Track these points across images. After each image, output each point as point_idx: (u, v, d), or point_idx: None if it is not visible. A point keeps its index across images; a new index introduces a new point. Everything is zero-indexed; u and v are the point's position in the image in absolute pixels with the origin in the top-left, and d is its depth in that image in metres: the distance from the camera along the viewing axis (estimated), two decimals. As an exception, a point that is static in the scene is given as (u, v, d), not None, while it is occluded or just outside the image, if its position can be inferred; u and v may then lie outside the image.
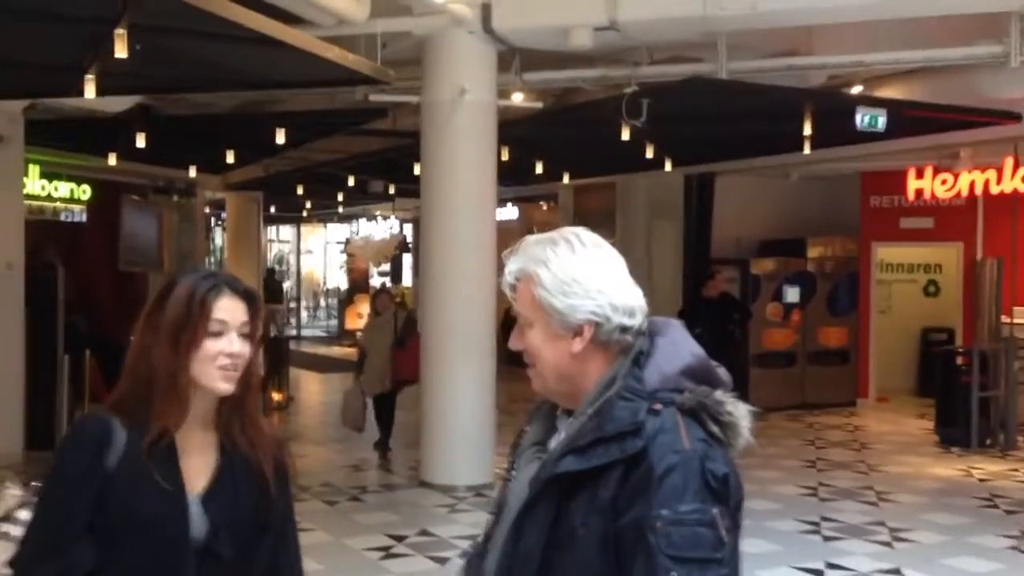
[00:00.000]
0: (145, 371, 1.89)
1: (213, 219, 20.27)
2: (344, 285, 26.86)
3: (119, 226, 13.65)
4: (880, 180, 12.95)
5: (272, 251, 26.28)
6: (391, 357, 8.86)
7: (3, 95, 8.16)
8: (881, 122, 7.64)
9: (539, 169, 12.10)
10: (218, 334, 1.88)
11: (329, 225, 27.46)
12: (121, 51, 5.41)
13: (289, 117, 9.52)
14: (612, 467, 1.50)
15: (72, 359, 9.22)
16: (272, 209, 19.91)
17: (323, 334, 24.80)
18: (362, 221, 24.55)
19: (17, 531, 1.96)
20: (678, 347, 1.63)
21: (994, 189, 10.49)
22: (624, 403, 1.54)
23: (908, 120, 8.60)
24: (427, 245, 8.17)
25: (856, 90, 9.12)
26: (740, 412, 1.57)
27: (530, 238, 1.71)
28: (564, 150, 11.59)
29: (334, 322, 25.99)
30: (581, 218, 15.95)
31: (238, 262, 17.61)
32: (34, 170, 11.13)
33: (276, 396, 12.53)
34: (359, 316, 23.64)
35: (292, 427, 11.26)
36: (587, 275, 1.61)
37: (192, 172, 13.03)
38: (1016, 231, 10.07)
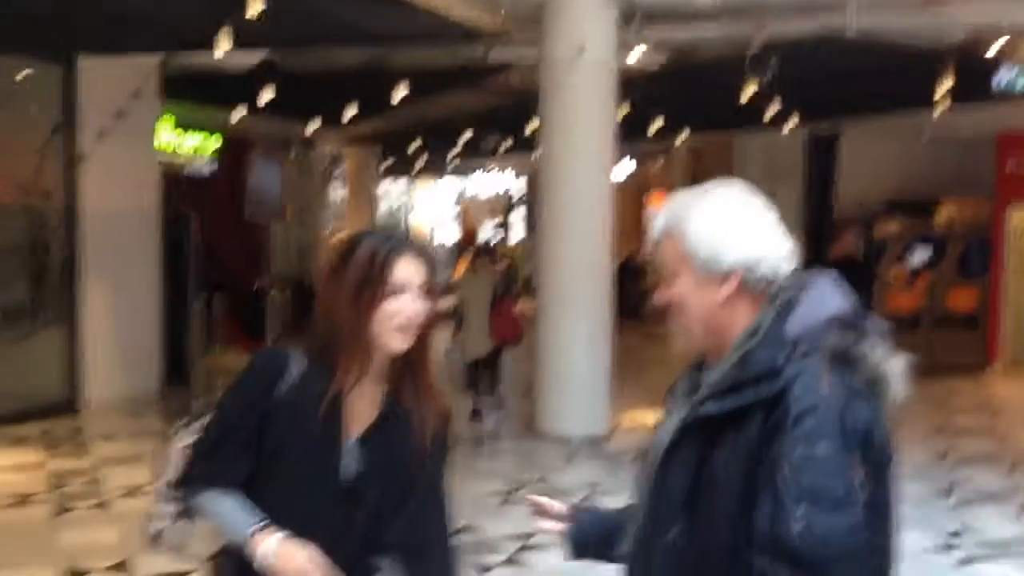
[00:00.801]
0: (328, 326, 1.99)
1: (330, 173, 20.72)
2: (455, 240, 27.20)
3: (246, 178, 14.12)
4: (1018, 141, 12.32)
5: (385, 205, 26.72)
6: (489, 319, 8.35)
7: (140, 50, 8.53)
8: (1022, 83, 7.27)
9: (655, 127, 11.97)
10: (397, 294, 1.95)
11: (440, 180, 27.78)
12: (254, 9, 5.59)
13: (409, 73, 9.62)
14: (752, 411, 1.52)
15: (204, 303, 9.72)
16: (387, 164, 20.23)
17: (434, 288, 25.19)
18: (475, 176, 24.71)
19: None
20: (825, 296, 1.62)
21: None
22: (765, 350, 1.55)
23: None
24: (544, 202, 8.21)
25: (996, 49, 8.67)
26: (890, 363, 1.56)
27: (676, 194, 1.73)
28: (682, 108, 11.41)
29: (443, 276, 26.40)
30: (697, 176, 15.72)
31: (355, 216, 18.05)
32: (165, 123, 11.59)
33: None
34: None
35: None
36: (735, 223, 1.63)
37: (312, 127, 13.34)
38: None
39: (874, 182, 13.00)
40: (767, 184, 12.58)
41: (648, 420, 8.80)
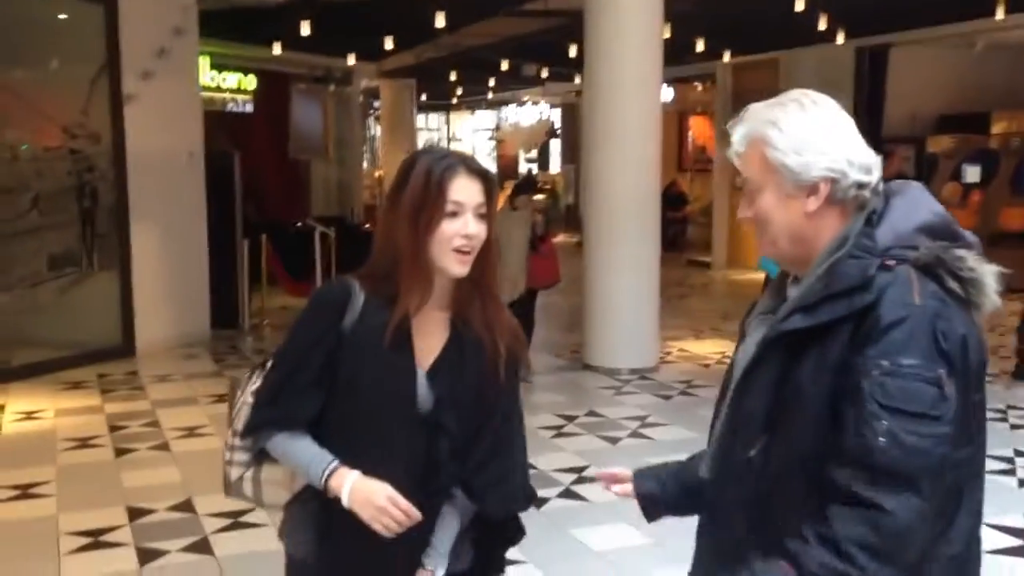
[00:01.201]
0: (389, 250, 1.91)
1: (367, 107, 20.58)
2: (494, 171, 27.03)
3: (288, 115, 14.05)
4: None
5: (422, 139, 26.57)
6: (527, 261, 7.78)
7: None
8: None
9: (699, 47, 11.63)
10: (454, 215, 1.86)
11: (477, 112, 27.50)
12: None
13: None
14: (841, 324, 1.48)
15: (249, 244, 9.69)
16: (423, 97, 20.00)
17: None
18: (511, 107, 24.40)
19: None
20: (915, 204, 1.58)
21: None
22: (854, 261, 1.51)
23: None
24: (589, 128, 8.02)
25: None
26: (985, 269, 1.50)
27: (754, 104, 1.67)
28: (728, 25, 11.05)
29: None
30: (741, 99, 15.30)
31: (393, 149, 17.93)
32: (204, 62, 11.48)
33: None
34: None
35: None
36: (821, 132, 1.57)
37: (351, 60, 13.16)
38: None
39: (925, 96, 12.58)
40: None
41: (694, 350, 8.79)
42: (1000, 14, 8.67)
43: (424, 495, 1.89)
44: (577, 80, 18.16)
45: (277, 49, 11.63)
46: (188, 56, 8.94)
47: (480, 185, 1.89)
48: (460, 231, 1.86)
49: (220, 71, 12.95)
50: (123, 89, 8.25)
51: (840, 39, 10.83)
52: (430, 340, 1.94)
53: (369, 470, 1.87)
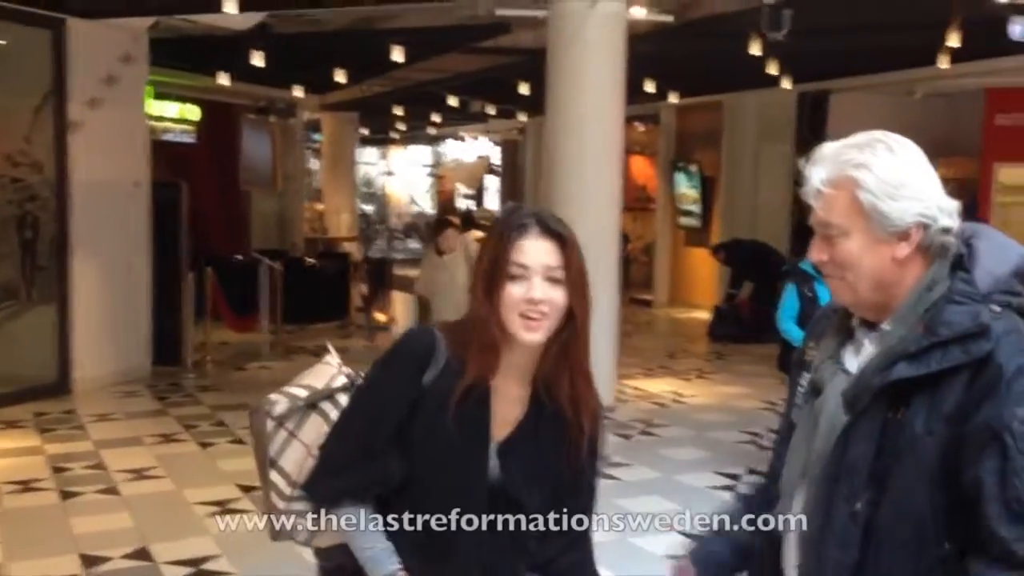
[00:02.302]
0: (470, 312, 1.81)
1: (307, 140, 20.37)
2: (429, 208, 26.90)
3: (233, 145, 13.79)
4: (1008, 97, 12.27)
5: (363, 173, 26.36)
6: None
7: (140, 11, 8.15)
8: (1038, 32, 7.16)
9: (649, 88, 11.76)
10: (519, 278, 1.74)
11: (411, 147, 27.44)
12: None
13: (407, 33, 9.33)
14: (955, 372, 1.47)
15: (194, 277, 9.40)
16: (365, 130, 19.87)
17: (412, 257, 24.89)
18: (450, 143, 24.40)
19: (334, 413, 1.96)
20: (1004, 249, 1.59)
21: None
22: (957, 307, 1.51)
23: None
24: (550, 165, 7.99)
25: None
26: None
27: (830, 145, 1.63)
28: (678, 67, 11.21)
29: (419, 245, 26.16)
30: (684, 139, 15.56)
31: (334, 183, 17.73)
32: (148, 91, 11.20)
33: (380, 317, 12.66)
34: (449, 239, 23.70)
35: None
36: (913, 176, 1.55)
37: (299, 92, 12.99)
38: None
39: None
40: (759, 143, 12.48)
41: (648, 389, 8.78)
42: (944, 63, 8.94)
43: (490, 571, 1.79)
44: (522, 117, 18.29)
45: (224, 79, 11.41)
46: (136, 84, 8.68)
47: (554, 246, 1.76)
48: (524, 296, 1.73)
49: (161, 100, 12.66)
50: (68, 117, 7.96)
51: (786, 84, 11.05)
52: (508, 411, 1.81)
53: (431, 546, 1.76)
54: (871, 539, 1.51)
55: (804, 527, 1.62)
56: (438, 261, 7.33)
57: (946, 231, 1.56)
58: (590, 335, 1.84)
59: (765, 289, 11.88)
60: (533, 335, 1.75)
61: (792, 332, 5.48)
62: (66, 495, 5.61)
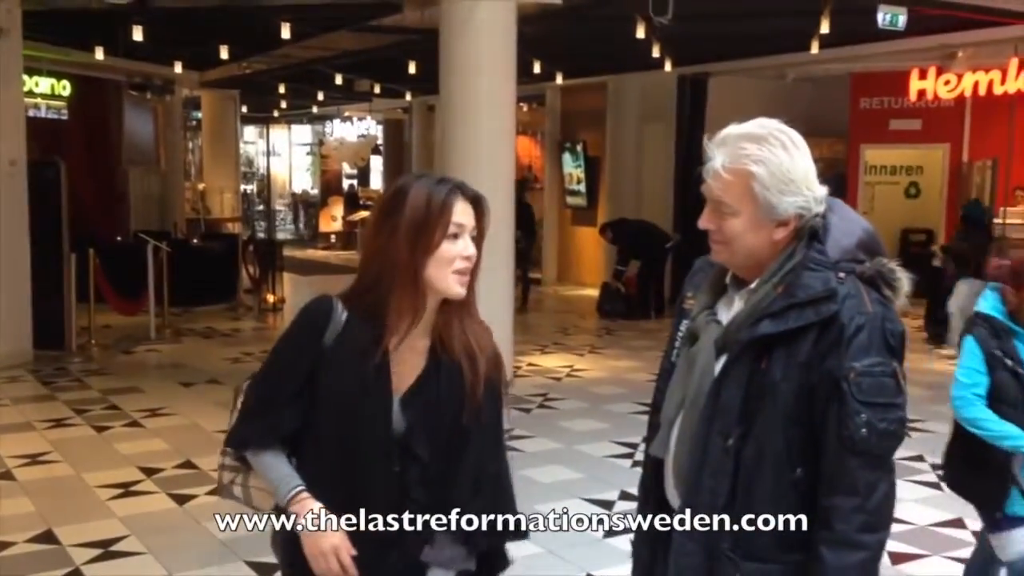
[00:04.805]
0: (378, 271, 1.92)
1: (186, 119, 19.77)
2: (310, 188, 26.50)
3: (110, 122, 13.29)
4: (871, 81, 13.01)
5: (244, 152, 25.72)
6: None
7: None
8: (902, 20, 7.66)
9: (536, 69, 11.94)
10: (455, 236, 1.90)
11: (294, 127, 26.93)
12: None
13: (295, 10, 9.21)
14: (807, 328, 1.74)
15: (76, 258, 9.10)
16: (247, 108, 19.41)
17: (293, 237, 24.54)
18: (334, 123, 24.05)
19: None
20: (850, 223, 1.86)
21: (997, 89, 10.60)
22: (811, 273, 1.77)
23: (919, 19, 8.63)
24: (445, 144, 8.07)
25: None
26: (904, 277, 1.82)
27: (732, 130, 1.85)
28: (566, 48, 11.41)
29: (302, 225, 25.75)
30: (569, 120, 15.84)
31: (215, 163, 17.29)
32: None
33: (270, 298, 12.50)
34: (332, 219, 23.45)
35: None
36: (798, 173, 1.79)
37: (178, 68, 12.62)
38: (1013, 132, 10.24)
39: (739, 122, 13.41)
40: (642, 124, 12.76)
41: (543, 364, 9.00)
42: (815, 48, 9.44)
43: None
44: (408, 97, 18.23)
45: (100, 54, 11.00)
46: (11, 59, 8.33)
47: (473, 209, 1.94)
48: (461, 252, 1.90)
49: (31, 76, 12.10)
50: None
51: (668, 67, 11.42)
52: (409, 365, 1.94)
53: (340, 493, 1.88)
54: (740, 468, 1.78)
55: (683, 458, 1.87)
56: None
57: (815, 215, 1.81)
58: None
59: (651, 267, 12.34)
60: (463, 288, 1.92)
61: (987, 425, 3.13)
62: (-43, 483, 5.43)
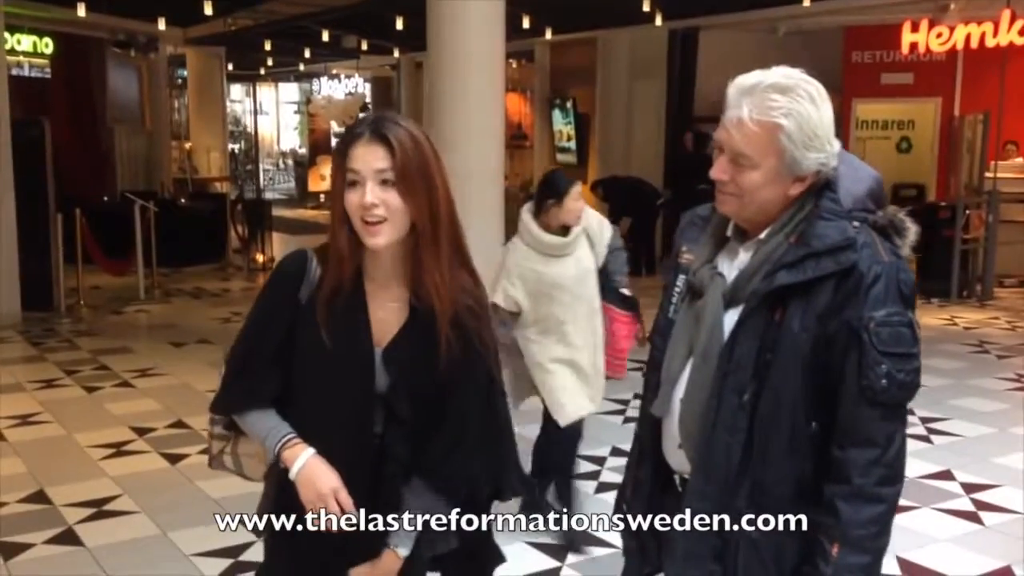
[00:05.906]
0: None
1: (172, 76, 19.49)
2: (298, 146, 26.29)
3: (95, 80, 13.10)
4: (863, 35, 12.91)
5: (231, 111, 25.44)
6: None
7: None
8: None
9: (525, 24, 11.80)
10: (354, 184, 1.77)
11: (281, 85, 26.63)
12: None
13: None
14: (825, 278, 1.70)
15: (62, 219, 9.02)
16: (233, 66, 19.15)
17: (283, 197, 24.38)
18: (321, 80, 23.78)
19: None
20: (859, 171, 1.84)
21: (989, 42, 10.52)
22: (826, 223, 1.73)
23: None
24: (434, 100, 7.97)
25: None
26: (912, 227, 1.80)
27: (757, 77, 1.74)
28: (555, 2, 11.27)
29: (291, 184, 25.59)
30: (559, 76, 15.69)
31: (202, 122, 17.09)
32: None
33: (259, 257, 12.45)
34: (322, 178, 23.26)
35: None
36: (824, 128, 1.72)
37: (161, 25, 12.41)
38: (1004, 85, 10.18)
39: (731, 77, 13.29)
40: (632, 80, 12.62)
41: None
42: (807, 1, 9.33)
43: (376, 479, 1.85)
44: (396, 53, 18.01)
45: (81, 11, 10.80)
46: (-9, 15, 8.18)
47: (384, 150, 1.75)
48: (360, 201, 1.76)
49: (12, 33, 11.91)
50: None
51: (658, 20, 11.30)
52: (391, 316, 1.86)
53: (322, 448, 1.83)
54: (755, 423, 1.74)
55: (692, 417, 1.81)
56: None
57: (833, 169, 1.75)
58: (456, 234, 1.87)
59: (642, 223, 12.30)
60: (375, 239, 1.78)
61: None
62: (-52, 444, 5.42)
